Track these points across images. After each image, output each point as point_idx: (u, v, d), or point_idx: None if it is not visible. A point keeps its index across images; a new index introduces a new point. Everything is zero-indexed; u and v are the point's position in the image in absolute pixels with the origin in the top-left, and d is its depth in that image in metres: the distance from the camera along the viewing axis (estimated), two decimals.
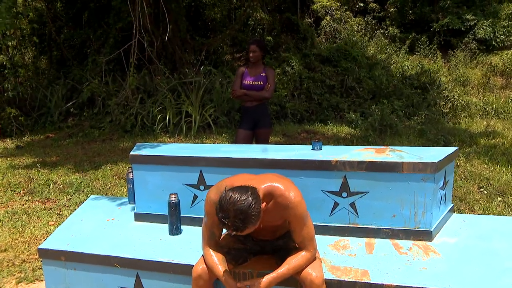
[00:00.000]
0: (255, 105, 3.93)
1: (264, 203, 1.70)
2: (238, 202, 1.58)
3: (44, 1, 9.44)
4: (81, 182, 4.79)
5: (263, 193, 1.76)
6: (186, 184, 2.43)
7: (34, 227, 3.69)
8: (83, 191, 4.54)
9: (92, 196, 3.13)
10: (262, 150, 2.52)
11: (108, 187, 4.65)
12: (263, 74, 3.89)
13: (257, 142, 4.05)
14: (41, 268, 2.99)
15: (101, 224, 2.52)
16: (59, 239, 2.35)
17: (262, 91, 3.88)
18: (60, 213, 4.01)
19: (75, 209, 4.04)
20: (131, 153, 2.53)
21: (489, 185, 4.21)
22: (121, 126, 7.29)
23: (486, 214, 3.53)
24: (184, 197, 2.39)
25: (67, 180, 4.85)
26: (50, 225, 3.73)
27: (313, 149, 2.46)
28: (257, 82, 3.88)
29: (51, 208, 4.12)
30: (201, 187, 2.41)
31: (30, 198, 4.39)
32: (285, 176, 1.92)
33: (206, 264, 1.84)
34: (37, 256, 3.16)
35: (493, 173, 4.56)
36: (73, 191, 4.54)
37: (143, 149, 2.63)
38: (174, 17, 8.19)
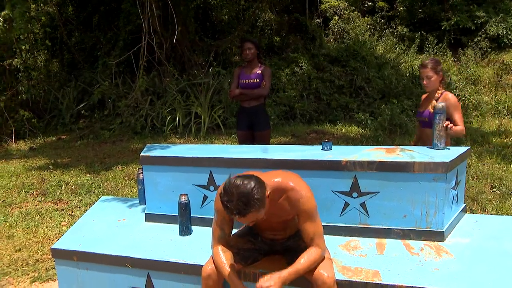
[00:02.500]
0: (252, 105, 3.92)
1: (269, 191, 1.72)
2: (241, 185, 1.62)
3: (56, 6, 9.58)
4: (92, 183, 4.85)
5: (274, 188, 1.77)
6: (196, 185, 2.44)
7: (47, 227, 3.74)
8: (94, 192, 4.59)
9: (102, 197, 3.16)
10: (272, 151, 2.52)
11: (118, 188, 4.70)
12: (259, 72, 3.89)
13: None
14: (54, 268, 3.03)
15: (112, 224, 2.55)
16: (71, 239, 2.38)
17: (258, 89, 3.87)
18: (72, 213, 4.06)
19: (87, 210, 4.09)
20: (142, 154, 2.56)
21: (502, 185, 4.15)
22: (131, 128, 7.36)
23: (499, 214, 3.48)
24: (194, 197, 2.40)
25: (79, 181, 4.92)
26: (62, 226, 3.78)
27: (323, 149, 2.45)
28: (253, 80, 3.87)
29: (63, 209, 4.18)
30: (211, 188, 2.42)
31: (43, 199, 4.46)
32: None
33: (214, 264, 1.85)
34: (50, 256, 3.20)
35: (506, 173, 4.49)
36: (85, 192, 4.59)
37: (153, 150, 2.64)
38: (182, 19, 8.24)
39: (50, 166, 5.54)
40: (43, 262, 3.14)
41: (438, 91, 2.91)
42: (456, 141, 5.75)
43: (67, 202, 4.36)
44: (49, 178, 5.07)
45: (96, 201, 4.21)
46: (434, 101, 2.86)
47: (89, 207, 4.13)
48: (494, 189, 4.10)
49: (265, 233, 2.01)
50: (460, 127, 2.78)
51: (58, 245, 2.32)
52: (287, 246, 1.99)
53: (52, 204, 4.31)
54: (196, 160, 2.41)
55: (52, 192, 4.63)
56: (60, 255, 2.29)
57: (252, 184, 1.63)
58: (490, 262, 1.91)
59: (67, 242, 2.35)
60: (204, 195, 2.44)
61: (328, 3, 11.73)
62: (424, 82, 2.91)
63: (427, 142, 2.81)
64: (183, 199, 2.32)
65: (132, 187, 4.69)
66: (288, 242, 2.00)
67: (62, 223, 3.84)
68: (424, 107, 3.00)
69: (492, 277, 1.79)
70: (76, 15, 9.95)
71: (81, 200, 4.39)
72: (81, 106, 8.15)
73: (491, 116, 7.99)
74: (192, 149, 2.67)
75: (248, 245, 1.98)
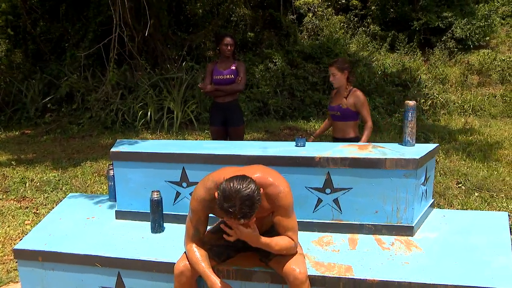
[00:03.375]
0: (226, 101, 3.88)
1: (262, 189, 1.71)
2: (242, 189, 1.60)
3: None
4: (59, 180, 4.67)
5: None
6: (168, 181, 2.39)
7: (8, 226, 3.58)
8: (61, 189, 4.42)
9: (70, 194, 3.05)
10: (246, 147, 2.51)
11: (87, 184, 4.55)
12: (233, 68, 3.85)
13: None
14: (15, 269, 2.89)
15: (80, 222, 2.46)
16: (36, 238, 2.28)
17: (233, 84, 3.84)
18: (37, 212, 3.90)
19: (53, 208, 3.94)
20: (112, 149, 2.48)
21: (467, 181, 4.31)
22: (101, 123, 7.14)
23: (464, 209, 3.61)
24: (166, 194, 2.35)
25: (45, 178, 4.72)
26: (26, 225, 3.62)
27: (296, 145, 2.46)
28: (228, 76, 3.83)
29: (27, 207, 4.01)
30: (184, 184, 2.38)
31: (4, 196, 4.25)
32: None
33: (188, 261, 1.82)
34: (12, 257, 3.05)
35: (471, 169, 4.67)
36: (51, 189, 4.42)
37: (124, 145, 2.57)
38: (155, 12, 8.06)
39: (12, 162, 5.29)
40: (3, 263, 2.99)
41: (346, 88, 3.23)
42: (425, 138, 5.93)
43: (32, 200, 4.18)
44: (12, 175, 4.84)
45: (63, 198, 4.08)
46: (344, 99, 3.21)
47: (56, 205, 3.99)
48: (460, 185, 4.26)
49: None
50: (369, 124, 3.20)
51: (21, 245, 2.22)
52: None
53: (14, 202, 4.12)
54: (168, 156, 2.37)
55: (14, 189, 4.42)
56: (24, 255, 2.18)
57: (252, 186, 1.63)
58: (457, 256, 1.98)
59: (31, 241, 2.25)
60: (177, 191, 2.39)
61: (303, 0, 11.79)
62: (331, 78, 3.27)
63: (339, 133, 3.31)
64: (155, 196, 2.27)
65: (102, 184, 4.56)
66: None
67: (26, 222, 3.68)
68: (335, 102, 3.31)
69: (459, 270, 1.85)
70: (40, 3, 9.51)
71: (47, 197, 4.22)
72: (47, 99, 7.81)
73: (458, 114, 8.30)
74: (165, 145, 2.61)
75: (221, 241, 1.95)
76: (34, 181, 4.64)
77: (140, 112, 7.10)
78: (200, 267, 1.78)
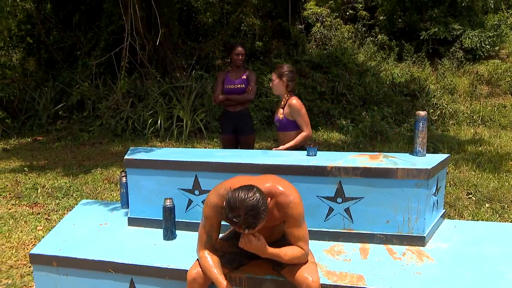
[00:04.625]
0: (237, 110, 3.92)
1: (269, 199, 1.72)
2: (247, 199, 1.61)
3: (34, 2, 9.33)
4: (70, 186, 4.72)
5: (265, 193, 1.77)
6: (181, 189, 2.41)
7: (21, 232, 3.62)
8: (72, 196, 4.47)
9: (83, 201, 3.09)
10: (258, 156, 2.53)
11: (98, 191, 4.60)
12: (244, 77, 3.89)
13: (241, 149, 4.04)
14: (29, 274, 2.93)
15: (93, 229, 2.49)
16: (51, 244, 2.31)
17: (244, 94, 3.88)
18: (49, 217, 3.94)
19: (64, 214, 3.99)
20: (126, 157, 2.51)
21: (477, 192, 4.28)
22: (111, 130, 7.23)
23: (475, 220, 3.59)
24: (178, 201, 2.37)
25: (56, 184, 4.78)
26: (38, 230, 3.66)
27: (308, 155, 2.48)
28: (239, 85, 3.87)
29: (39, 213, 4.05)
30: (196, 192, 2.40)
31: (17, 202, 4.31)
32: None
33: (201, 268, 1.84)
34: (25, 262, 3.09)
35: (481, 180, 4.64)
36: (62, 195, 4.47)
37: (137, 153, 2.61)
38: (166, 21, 8.18)
39: (25, 168, 5.36)
40: (17, 268, 3.02)
41: (285, 97, 3.03)
42: (434, 148, 5.91)
43: (43, 206, 4.23)
44: (24, 181, 4.91)
45: (75, 204, 4.12)
46: (280, 109, 3.04)
47: (67, 211, 4.04)
48: (470, 196, 4.23)
49: None
50: (303, 133, 3.00)
51: (36, 250, 2.25)
52: None
53: (27, 208, 4.18)
54: (181, 164, 2.40)
55: (27, 195, 4.48)
56: (39, 260, 2.22)
57: (258, 196, 1.63)
58: (469, 266, 1.97)
59: (46, 247, 2.28)
60: (189, 199, 2.42)
61: (311, 10, 11.89)
62: (270, 84, 3.14)
63: (282, 144, 3.05)
64: (168, 203, 2.30)
65: (112, 191, 4.60)
66: (273, 247, 2.00)
67: (38, 228, 3.72)
68: (276, 112, 3.13)
69: (472, 281, 1.85)
70: (54, 13, 9.72)
71: (58, 203, 4.26)
72: (59, 106, 7.94)
73: (467, 125, 8.26)
74: (177, 153, 2.65)
75: (233, 248, 1.97)
76: (46, 187, 4.70)
77: (150, 120, 7.17)
78: (212, 274, 1.79)
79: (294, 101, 2.98)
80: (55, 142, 7.03)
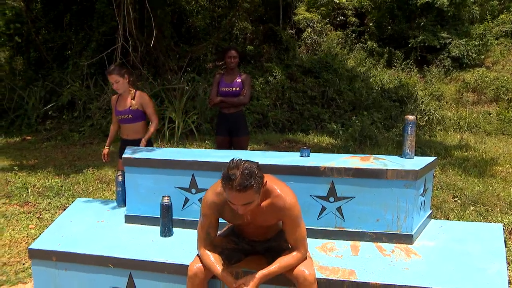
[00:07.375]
0: (232, 112, 4.00)
1: (265, 180, 1.80)
2: (244, 163, 1.73)
3: (23, 1, 9.26)
4: (61, 186, 4.72)
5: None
6: (178, 187, 2.47)
7: (13, 230, 3.62)
8: (63, 195, 4.47)
9: (79, 199, 3.11)
10: (254, 156, 2.60)
11: (90, 191, 4.61)
12: (239, 80, 3.98)
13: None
14: (23, 271, 2.95)
15: (91, 225, 2.53)
16: (49, 239, 2.35)
17: (239, 97, 3.96)
18: (41, 216, 3.95)
19: (57, 213, 4.00)
20: (124, 156, 2.56)
21: (463, 195, 4.42)
22: (102, 131, 7.22)
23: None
24: (175, 200, 2.43)
25: (47, 184, 4.77)
26: (30, 228, 3.67)
27: (301, 156, 2.55)
28: (233, 88, 3.96)
29: (30, 212, 4.05)
30: (193, 191, 2.46)
31: (7, 201, 4.29)
32: None
33: (203, 264, 1.90)
34: (19, 259, 3.11)
35: (466, 184, 4.79)
36: (53, 194, 4.46)
37: (135, 152, 2.66)
38: (158, 23, 8.22)
39: (14, 167, 5.33)
40: (11, 265, 3.03)
41: (131, 91, 3.43)
42: (422, 153, 6.06)
43: (35, 205, 4.22)
44: (14, 180, 4.89)
45: (67, 204, 4.13)
46: (131, 100, 3.40)
47: (59, 210, 4.05)
48: (456, 199, 4.37)
49: (246, 236, 2.08)
50: (155, 122, 3.47)
51: (36, 245, 2.28)
52: (268, 246, 2.07)
53: (18, 207, 4.17)
54: (178, 163, 2.45)
55: (17, 194, 4.47)
56: (38, 255, 2.25)
57: (255, 166, 1.73)
58: (454, 263, 2.07)
59: (45, 242, 2.31)
60: (186, 197, 2.48)
61: (302, 15, 12.04)
62: (114, 86, 3.39)
63: (131, 135, 3.50)
64: (166, 201, 2.35)
65: (104, 191, 4.61)
66: (268, 243, 2.07)
67: (30, 226, 3.72)
68: (122, 106, 3.45)
69: (456, 276, 1.95)
70: (45, 12, 9.66)
71: (49, 202, 4.26)
72: (48, 106, 7.90)
73: (453, 130, 8.47)
74: (174, 152, 2.71)
75: (231, 245, 2.04)
76: (37, 186, 4.69)
77: None
78: (216, 269, 1.86)
79: (143, 93, 3.50)
80: (45, 141, 7.00)
